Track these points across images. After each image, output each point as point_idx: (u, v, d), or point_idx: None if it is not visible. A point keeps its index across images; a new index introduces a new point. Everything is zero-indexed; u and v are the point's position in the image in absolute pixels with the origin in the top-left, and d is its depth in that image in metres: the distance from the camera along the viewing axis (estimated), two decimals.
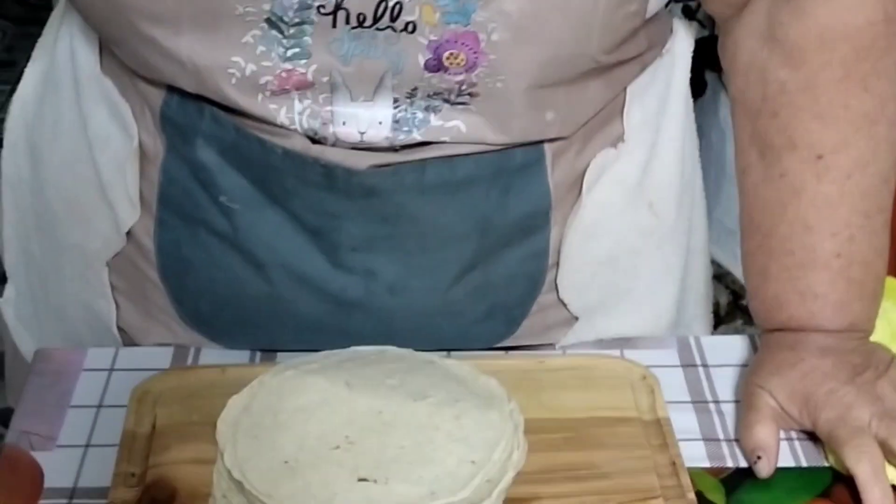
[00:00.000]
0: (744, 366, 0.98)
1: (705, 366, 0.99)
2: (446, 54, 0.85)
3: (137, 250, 0.99)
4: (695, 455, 0.90)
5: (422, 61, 0.86)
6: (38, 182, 1.04)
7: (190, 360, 1.00)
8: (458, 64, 0.85)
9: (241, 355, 1.00)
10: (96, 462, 0.89)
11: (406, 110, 0.88)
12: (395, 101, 0.88)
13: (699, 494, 0.86)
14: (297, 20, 0.84)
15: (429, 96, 0.88)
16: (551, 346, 1.01)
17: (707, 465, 0.90)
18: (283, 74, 0.87)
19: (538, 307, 0.99)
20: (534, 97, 0.88)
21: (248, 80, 0.87)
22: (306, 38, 0.85)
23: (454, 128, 0.89)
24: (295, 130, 0.89)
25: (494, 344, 1.00)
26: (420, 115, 0.89)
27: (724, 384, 0.97)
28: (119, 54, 0.93)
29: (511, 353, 1.00)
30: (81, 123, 0.99)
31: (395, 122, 0.88)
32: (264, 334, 0.96)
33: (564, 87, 0.89)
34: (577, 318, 1.01)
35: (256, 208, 0.93)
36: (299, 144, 0.90)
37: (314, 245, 0.94)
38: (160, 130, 0.94)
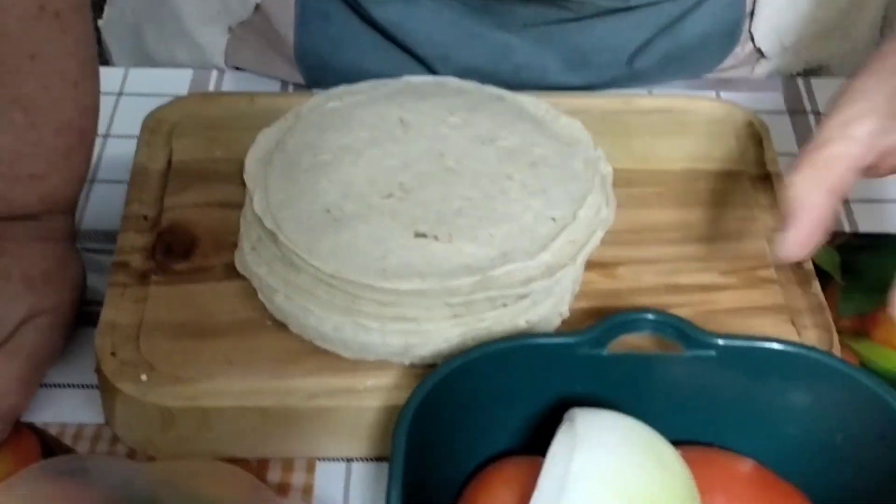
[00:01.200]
0: None
1: (816, 112, 0.85)
2: None
3: (265, 21, 0.85)
4: None
5: None
6: None
7: (212, 85, 0.86)
8: None
9: (273, 84, 0.86)
10: (102, 200, 0.78)
11: None
12: None
13: None
14: None
15: None
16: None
17: None
18: None
19: (729, 61, 0.87)
20: None
21: None
22: None
23: None
24: None
25: None
26: None
27: None
28: None
29: (593, 91, 0.85)
30: None
31: None
32: None
33: None
34: (765, 58, 0.88)
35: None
36: None
37: (480, 29, 0.81)
38: None
